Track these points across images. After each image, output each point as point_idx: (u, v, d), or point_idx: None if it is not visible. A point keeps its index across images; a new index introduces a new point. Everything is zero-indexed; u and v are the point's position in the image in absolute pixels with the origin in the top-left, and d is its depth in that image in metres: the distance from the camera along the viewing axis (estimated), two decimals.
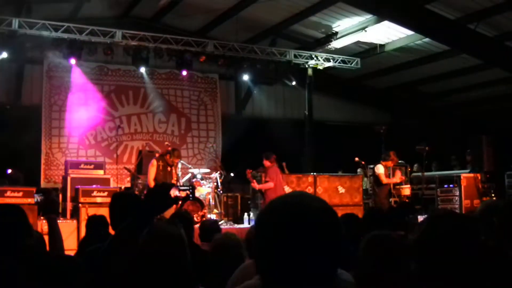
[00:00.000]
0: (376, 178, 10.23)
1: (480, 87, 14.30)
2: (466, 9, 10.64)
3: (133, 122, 13.82)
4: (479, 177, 11.26)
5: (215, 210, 10.40)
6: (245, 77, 13.52)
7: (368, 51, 13.47)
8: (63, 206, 9.56)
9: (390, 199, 10.16)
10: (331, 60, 13.08)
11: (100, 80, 13.49)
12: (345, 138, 14.79)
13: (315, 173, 11.11)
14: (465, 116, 15.77)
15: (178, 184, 9.40)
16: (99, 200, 9.23)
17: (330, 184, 11.03)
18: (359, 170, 12.62)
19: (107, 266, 2.38)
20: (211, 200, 10.31)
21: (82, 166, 10.35)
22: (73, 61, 11.36)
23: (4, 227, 2.16)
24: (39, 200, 8.82)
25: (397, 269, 2.34)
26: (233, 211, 11.50)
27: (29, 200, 8.63)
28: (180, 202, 8.24)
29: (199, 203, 9.63)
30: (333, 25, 12.52)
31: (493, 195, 11.02)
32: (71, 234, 8.63)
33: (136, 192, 9.43)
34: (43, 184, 12.34)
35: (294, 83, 14.07)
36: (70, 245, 7.64)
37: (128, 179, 11.27)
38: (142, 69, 12.70)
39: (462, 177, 11.06)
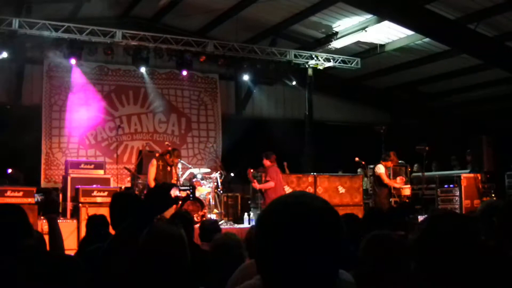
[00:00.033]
0: (376, 178, 10.24)
1: (480, 87, 14.30)
2: (466, 9, 10.64)
3: (133, 122, 13.82)
4: (479, 177, 11.25)
5: (215, 210, 10.40)
6: (245, 77, 13.52)
7: (368, 51, 13.47)
8: (63, 206, 9.56)
9: (390, 199, 10.16)
10: (331, 60, 13.08)
11: (100, 80, 13.50)
12: (345, 138, 14.79)
13: (315, 173, 11.11)
14: (465, 116, 15.77)
15: (178, 184, 9.40)
16: (99, 200, 9.23)
17: (330, 184, 11.03)
18: (359, 170, 12.62)
19: (107, 266, 2.38)
20: (211, 200, 10.31)
21: (82, 166, 10.35)
22: (73, 61, 11.37)
23: (4, 226, 2.16)
24: (39, 200, 8.81)
25: (397, 269, 2.34)
26: (233, 211, 11.49)
27: (29, 200, 8.63)
28: (180, 202, 8.23)
29: (199, 203, 9.63)
30: (333, 25, 12.52)
31: (493, 195, 11.02)
32: (71, 234, 8.64)
33: (136, 192, 9.43)
34: (43, 184, 12.35)
35: (294, 83, 14.07)
36: (70, 245, 7.65)
37: (128, 179, 11.27)
38: (142, 69, 12.71)
39: (462, 177, 11.06)
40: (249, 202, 11.31)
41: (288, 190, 9.97)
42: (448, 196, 11.27)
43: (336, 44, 12.84)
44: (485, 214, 3.00)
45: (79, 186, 9.34)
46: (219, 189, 10.66)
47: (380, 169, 10.07)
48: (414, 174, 12.23)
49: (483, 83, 14.03)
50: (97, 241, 3.17)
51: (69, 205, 9.58)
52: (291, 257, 1.21)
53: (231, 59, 12.42)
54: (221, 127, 14.78)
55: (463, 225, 2.04)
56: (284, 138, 12.56)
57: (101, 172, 10.38)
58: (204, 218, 9.24)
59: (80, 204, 9.10)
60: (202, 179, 10.42)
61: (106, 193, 9.31)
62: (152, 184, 9.00)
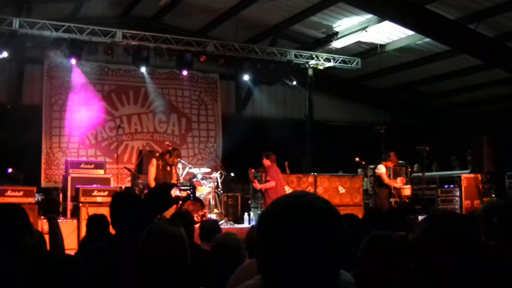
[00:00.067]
0: (377, 178, 10.23)
1: (481, 88, 14.30)
2: (467, 9, 10.64)
3: (134, 121, 13.82)
4: (480, 178, 11.24)
5: (215, 210, 10.41)
6: (246, 77, 13.53)
7: (368, 51, 13.48)
8: (63, 205, 9.56)
9: (391, 200, 10.16)
10: (332, 60, 13.09)
11: (100, 79, 13.50)
12: (345, 138, 14.79)
13: (315, 173, 11.11)
14: (465, 116, 15.77)
15: (179, 183, 9.40)
16: (99, 199, 9.24)
17: (330, 184, 11.03)
18: (359, 170, 12.62)
19: (108, 265, 2.38)
20: (211, 200, 10.32)
21: (82, 165, 10.36)
22: (73, 61, 11.39)
23: (5, 226, 2.16)
24: (39, 199, 8.83)
25: (397, 269, 2.34)
26: (233, 211, 11.50)
27: (30, 200, 8.64)
28: (180, 202, 8.23)
29: (200, 203, 9.63)
30: (334, 25, 12.53)
31: (493, 195, 11.00)
32: (71, 233, 8.64)
33: (137, 192, 9.43)
34: (43, 183, 12.35)
35: (294, 83, 14.07)
36: (71, 245, 7.64)
37: (129, 178, 11.27)
38: (143, 69, 12.72)
39: (462, 178, 11.05)
40: (249, 202, 11.31)
41: (288, 190, 9.97)
42: (448, 196, 11.26)
43: (336, 44, 12.84)
44: (486, 214, 3.00)
45: (79, 186, 9.35)
46: (219, 189, 10.66)
47: (381, 169, 10.07)
48: (414, 174, 12.22)
49: (483, 83, 14.04)
50: (98, 241, 3.17)
51: (69, 205, 9.58)
52: (292, 257, 1.21)
53: (232, 59, 12.42)
54: (221, 127, 14.78)
55: (462, 225, 2.04)
56: (284, 138, 12.56)
57: (101, 172, 10.38)
58: (204, 218, 9.24)
59: (80, 204, 9.11)
60: (202, 179, 10.42)
61: (106, 193, 9.32)
62: (152, 184, 9.00)
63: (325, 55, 13.02)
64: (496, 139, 11.71)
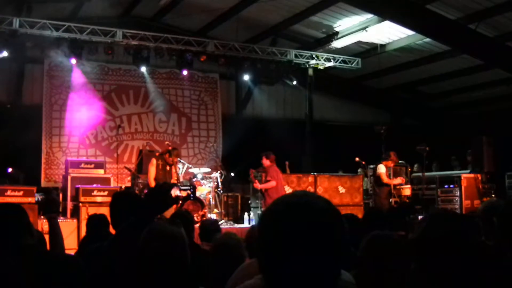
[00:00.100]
0: (377, 178, 10.23)
1: (481, 88, 14.30)
2: (467, 9, 10.64)
3: (134, 121, 13.82)
4: (480, 178, 11.24)
5: (215, 210, 10.41)
6: (246, 77, 13.53)
7: (368, 51, 13.47)
8: (63, 205, 9.56)
9: (391, 199, 10.16)
10: (332, 60, 13.09)
11: (100, 79, 13.50)
12: (345, 138, 14.79)
13: (315, 173, 11.11)
14: (465, 116, 15.77)
15: (179, 183, 9.40)
16: (99, 199, 9.24)
17: (330, 184, 11.04)
18: (359, 170, 12.62)
19: (108, 265, 2.38)
20: (211, 200, 10.32)
21: (82, 165, 10.35)
22: (73, 60, 11.39)
23: (5, 226, 2.16)
24: (39, 199, 8.83)
25: (397, 269, 2.34)
26: (233, 210, 11.50)
27: (30, 199, 8.64)
28: (180, 202, 8.24)
29: (200, 203, 9.63)
30: (334, 25, 12.53)
31: (493, 195, 11.00)
32: (71, 233, 8.64)
33: (137, 192, 9.43)
34: (43, 183, 12.35)
35: (294, 83, 14.07)
36: (71, 244, 7.64)
37: (129, 178, 11.27)
38: (143, 69, 12.72)
39: (462, 178, 11.05)
40: (249, 202, 11.31)
41: (288, 190, 9.97)
42: (448, 196, 11.26)
43: (336, 44, 12.84)
44: (486, 214, 3.00)
45: (79, 186, 9.35)
46: (219, 189, 10.67)
47: (381, 168, 10.07)
48: (414, 174, 12.22)
49: (483, 83, 14.04)
50: (98, 241, 3.17)
51: (69, 205, 9.58)
52: (293, 257, 1.21)
53: (232, 59, 12.42)
54: (221, 127, 14.78)
55: (462, 225, 2.04)
56: (284, 138, 12.56)
57: (101, 171, 10.38)
58: (204, 218, 9.25)
59: (80, 204, 9.11)
60: (202, 178, 10.42)
61: (106, 193, 9.32)
62: (152, 183, 9.00)
63: (325, 55, 13.02)
64: (496, 139, 11.71)
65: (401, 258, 2.34)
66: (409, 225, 5.25)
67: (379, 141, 11.32)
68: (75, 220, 9.00)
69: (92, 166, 10.41)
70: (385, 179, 9.99)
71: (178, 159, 9.80)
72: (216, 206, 10.52)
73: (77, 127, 12.99)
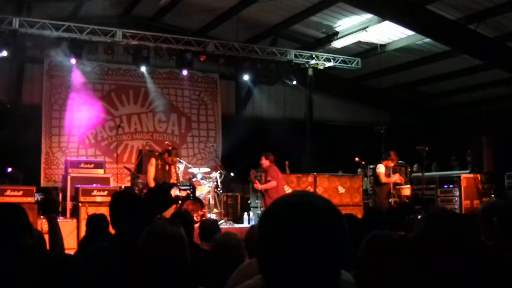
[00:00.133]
0: (376, 178, 10.23)
1: (481, 88, 14.30)
2: (467, 10, 10.64)
3: (133, 121, 13.82)
4: (479, 178, 11.25)
5: (215, 210, 10.41)
6: (246, 77, 13.53)
7: (368, 51, 13.47)
8: (63, 205, 9.56)
9: (390, 199, 10.15)
10: (332, 60, 13.09)
11: (100, 79, 13.50)
12: (345, 138, 14.79)
13: (315, 173, 11.11)
14: (465, 116, 15.77)
15: (178, 183, 9.41)
16: (99, 199, 9.24)
17: (330, 184, 11.04)
18: (359, 170, 12.62)
19: (108, 265, 2.38)
20: (211, 200, 10.32)
21: (82, 165, 10.36)
22: (73, 60, 11.38)
23: (4, 226, 2.16)
24: (39, 199, 8.83)
25: (397, 269, 2.34)
26: (233, 210, 11.51)
27: (29, 199, 8.64)
28: (180, 202, 8.24)
29: (199, 203, 9.63)
30: (334, 25, 12.53)
31: (493, 195, 11.01)
32: (71, 233, 8.64)
33: (136, 191, 9.43)
34: (43, 183, 12.35)
35: (294, 83, 14.07)
36: (70, 244, 7.65)
37: (128, 178, 11.27)
38: (143, 69, 12.72)
39: (462, 178, 11.05)
40: (248, 202, 11.32)
41: (288, 190, 9.97)
42: (448, 196, 11.26)
43: (336, 44, 12.84)
44: (485, 214, 3.00)
45: (79, 186, 9.35)
46: (218, 189, 10.67)
47: (380, 168, 10.06)
48: (414, 174, 12.22)
49: (483, 83, 14.04)
50: (97, 241, 3.17)
51: (69, 205, 9.58)
52: (293, 257, 1.21)
53: (232, 59, 12.42)
54: (221, 126, 14.77)
55: (462, 225, 2.04)
56: (284, 138, 12.56)
57: (101, 171, 10.38)
58: (204, 218, 9.25)
59: (80, 204, 9.11)
60: (202, 178, 10.42)
61: (106, 193, 9.32)
62: (151, 183, 9.00)
63: (325, 55, 13.02)
64: (496, 139, 11.71)
65: (401, 258, 2.34)
66: (409, 225, 5.25)
67: (379, 141, 11.32)
68: (74, 220, 9.00)
69: (92, 166, 10.41)
70: (383, 179, 9.98)
71: (178, 158, 9.80)
72: (215, 206, 10.52)
73: (76, 127, 12.98)
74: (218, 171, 10.78)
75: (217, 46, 11.96)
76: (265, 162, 9.41)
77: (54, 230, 3.19)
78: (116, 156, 11.89)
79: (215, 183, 10.47)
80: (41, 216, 8.01)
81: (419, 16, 10.55)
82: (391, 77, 14.96)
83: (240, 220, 10.73)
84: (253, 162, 10.04)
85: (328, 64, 13.14)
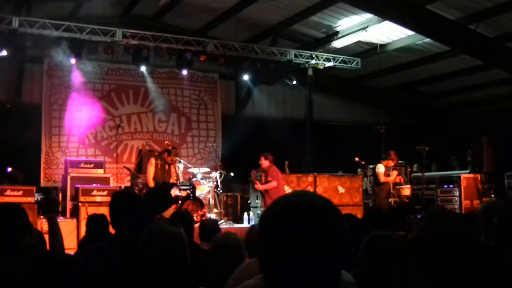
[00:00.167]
0: (375, 177, 10.23)
1: (481, 88, 14.31)
2: (467, 10, 10.64)
3: (133, 121, 13.82)
4: (479, 178, 11.25)
5: (215, 210, 10.41)
6: (246, 77, 13.53)
7: (368, 51, 13.47)
8: (63, 205, 9.56)
9: (390, 199, 10.15)
10: (332, 60, 13.08)
11: (100, 79, 13.49)
12: (345, 138, 14.79)
13: (315, 173, 11.11)
14: (465, 116, 15.78)
15: (178, 183, 9.41)
16: (99, 199, 9.23)
17: (330, 184, 11.04)
18: (359, 170, 12.63)
19: (108, 265, 2.38)
20: (211, 200, 10.32)
21: (82, 165, 10.35)
22: (73, 60, 11.38)
23: (4, 226, 2.16)
24: (39, 199, 8.82)
25: (397, 269, 2.34)
26: (232, 210, 11.50)
27: (29, 199, 8.63)
28: (180, 202, 8.24)
29: (199, 203, 9.63)
30: (334, 25, 12.53)
31: (493, 195, 11.01)
32: (71, 233, 8.64)
33: (136, 191, 9.43)
34: (43, 183, 12.35)
35: (294, 83, 14.07)
36: (70, 244, 7.64)
37: (128, 178, 11.27)
38: (143, 68, 12.72)
39: (462, 178, 11.05)
40: (248, 201, 11.32)
41: (288, 190, 9.97)
42: (447, 196, 11.26)
43: (336, 44, 12.84)
44: (485, 214, 3.00)
45: (79, 185, 9.34)
46: (218, 189, 10.66)
47: (380, 168, 10.07)
48: (414, 174, 12.22)
49: (483, 83, 14.04)
50: (97, 241, 3.16)
51: (69, 204, 9.58)
52: (293, 257, 1.21)
53: (231, 59, 12.42)
54: (221, 126, 14.77)
55: (462, 225, 2.04)
56: (284, 138, 12.56)
57: (100, 171, 10.38)
58: (204, 218, 9.25)
59: (79, 203, 9.11)
60: (201, 178, 10.42)
61: (105, 192, 9.31)
62: (151, 183, 9.00)
63: (325, 55, 13.02)
64: (496, 139, 11.71)
65: (401, 258, 2.34)
66: (409, 225, 5.25)
67: (379, 141, 11.33)
68: (74, 220, 9.00)
69: (92, 165, 10.41)
70: (382, 179, 9.98)
71: (177, 158, 9.79)
72: (215, 206, 10.52)
73: (76, 127, 12.98)
74: (218, 171, 10.78)
75: (217, 46, 11.96)
76: (264, 163, 9.41)
77: (54, 230, 3.19)
78: (116, 156, 11.89)
79: (215, 183, 10.47)
80: (41, 216, 8.00)
81: (419, 16, 10.55)
82: (391, 77, 14.96)
83: (240, 220, 10.73)
84: (253, 162, 10.03)
85: (328, 64, 13.14)
